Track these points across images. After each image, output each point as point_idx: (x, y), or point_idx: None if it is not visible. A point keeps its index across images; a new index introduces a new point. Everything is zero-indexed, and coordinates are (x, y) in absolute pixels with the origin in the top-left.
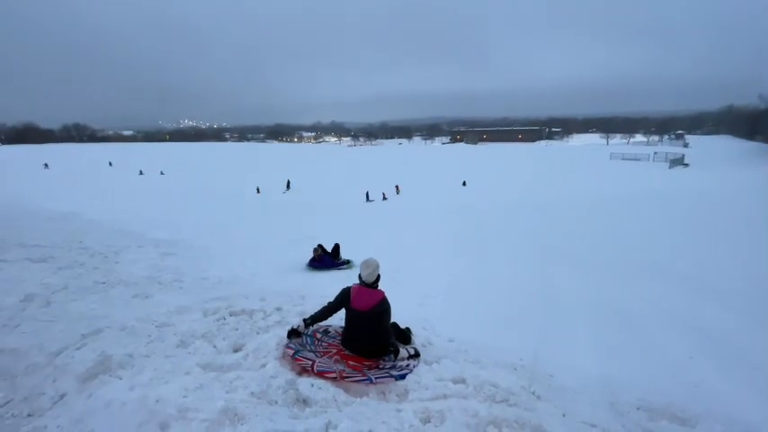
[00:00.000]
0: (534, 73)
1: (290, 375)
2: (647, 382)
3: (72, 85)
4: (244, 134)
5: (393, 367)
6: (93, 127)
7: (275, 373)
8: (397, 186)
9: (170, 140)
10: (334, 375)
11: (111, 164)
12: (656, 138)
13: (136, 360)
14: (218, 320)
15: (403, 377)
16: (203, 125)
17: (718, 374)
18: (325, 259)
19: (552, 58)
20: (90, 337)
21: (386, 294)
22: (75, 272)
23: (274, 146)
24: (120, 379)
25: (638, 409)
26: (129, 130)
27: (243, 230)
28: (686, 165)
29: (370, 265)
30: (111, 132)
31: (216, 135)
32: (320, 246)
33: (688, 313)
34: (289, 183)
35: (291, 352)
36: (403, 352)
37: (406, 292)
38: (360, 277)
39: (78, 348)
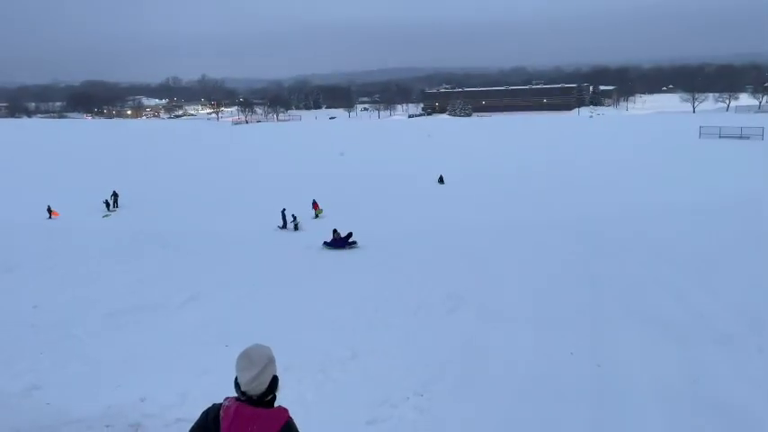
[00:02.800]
0: None
1: None
2: None
3: None
4: (18, 103)
5: None
6: None
7: None
8: (314, 203)
9: None
10: None
11: None
12: None
13: None
14: None
15: None
16: None
17: None
18: (338, 242)
19: None
20: None
21: (291, 417)
22: None
23: (85, 125)
24: None
25: None
26: None
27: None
28: None
29: (254, 360)
30: None
31: None
32: (335, 230)
33: None
34: (115, 196)
35: None
36: None
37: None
38: (237, 385)
39: None
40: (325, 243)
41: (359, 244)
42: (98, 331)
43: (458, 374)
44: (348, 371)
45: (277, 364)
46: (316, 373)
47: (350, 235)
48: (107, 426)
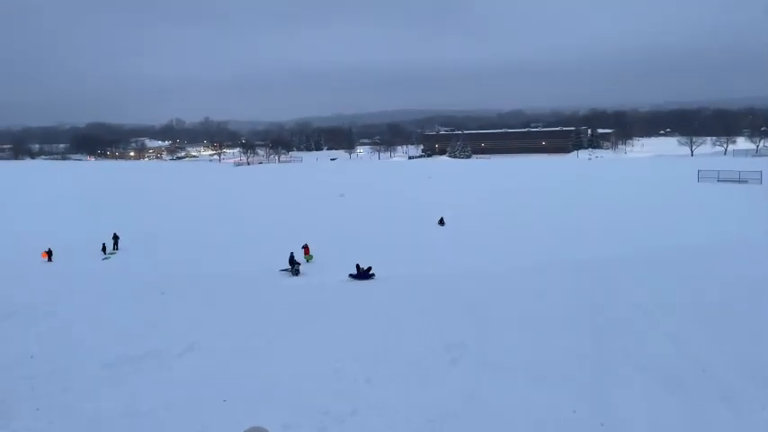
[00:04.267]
0: (563, 34)
1: None
2: None
3: None
4: (22, 144)
5: None
6: None
7: None
8: (305, 248)
9: None
10: None
11: None
12: None
13: None
14: None
15: None
16: None
17: None
18: (361, 275)
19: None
20: None
21: None
22: None
23: (87, 166)
24: None
25: None
26: None
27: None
28: None
29: None
30: None
31: None
32: (357, 264)
33: None
34: (116, 239)
35: None
36: None
37: None
38: None
39: None
40: (350, 275)
41: (376, 276)
42: (96, 384)
43: None
44: (348, 428)
45: (276, 422)
46: None
47: (369, 268)
48: None
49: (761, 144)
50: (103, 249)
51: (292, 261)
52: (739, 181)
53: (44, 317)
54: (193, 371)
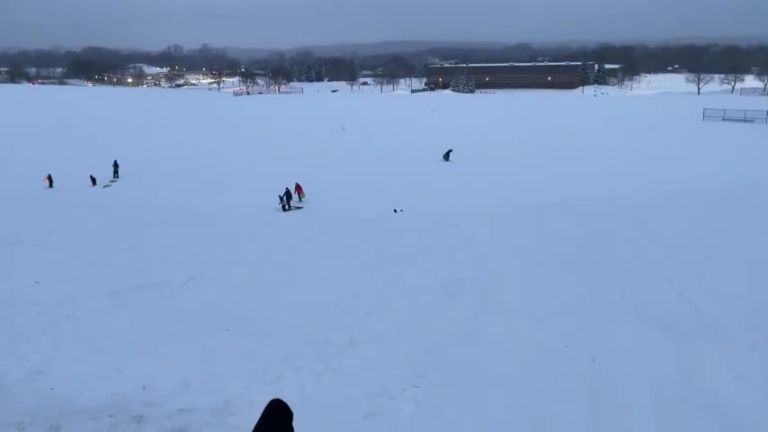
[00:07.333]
0: None
1: None
2: None
3: None
4: (19, 69)
5: None
6: None
7: None
8: (298, 187)
9: None
10: None
11: None
12: None
13: None
14: None
15: None
16: None
17: None
18: None
19: None
20: None
21: None
22: None
23: (85, 91)
24: None
25: None
26: None
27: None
28: None
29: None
30: None
31: None
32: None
33: None
34: (116, 166)
35: None
36: None
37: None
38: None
39: None
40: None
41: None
42: (101, 311)
43: (455, 365)
44: (347, 359)
45: (278, 352)
46: (315, 362)
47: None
48: (110, 416)
49: None
50: (92, 180)
51: (289, 195)
52: (744, 120)
53: (48, 245)
54: (196, 301)
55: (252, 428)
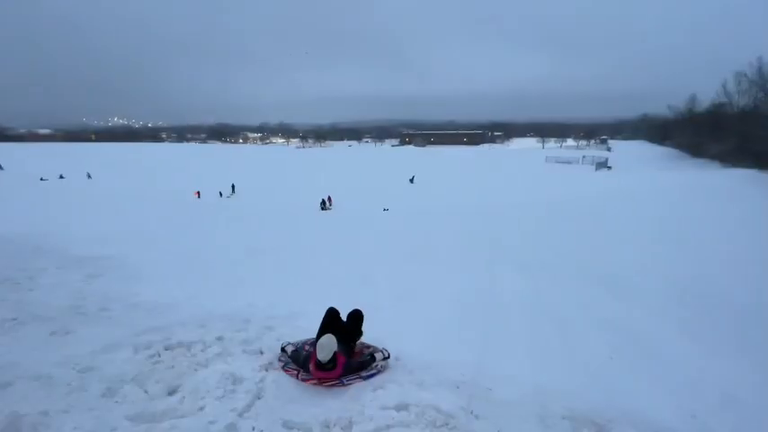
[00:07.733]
0: (477, 78)
1: (231, 418)
2: (573, 389)
3: None
4: (182, 134)
5: (362, 368)
6: (2, 125)
7: (214, 417)
8: (329, 198)
9: (96, 140)
10: (314, 382)
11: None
12: (584, 142)
13: (52, 418)
14: (151, 357)
15: (371, 377)
16: (136, 124)
17: (632, 375)
18: None
19: (494, 64)
20: None
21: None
22: None
23: (217, 147)
24: None
25: (563, 418)
26: (46, 128)
27: (181, 242)
28: (610, 168)
29: (324, 346)
30: (23, 131)
31: (151, 135)
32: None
33: (612, 315)
34: (233, 187)
35: (281, 364)
36: (378, 356)
37: (361, 306)
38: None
39: None
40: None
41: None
42: (240, 260)
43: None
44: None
45: (327, 284)
46: (359, 287)
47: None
48: (230, 319)
49: (579, 143)
50: (220, 194)
51: (324, 202)
52: (567, 162)
53: (195, 226)
54: (276, 258)
55: (316, 327)
